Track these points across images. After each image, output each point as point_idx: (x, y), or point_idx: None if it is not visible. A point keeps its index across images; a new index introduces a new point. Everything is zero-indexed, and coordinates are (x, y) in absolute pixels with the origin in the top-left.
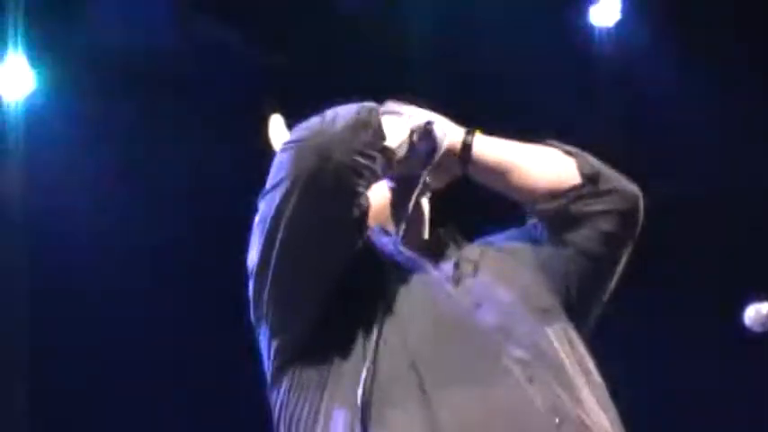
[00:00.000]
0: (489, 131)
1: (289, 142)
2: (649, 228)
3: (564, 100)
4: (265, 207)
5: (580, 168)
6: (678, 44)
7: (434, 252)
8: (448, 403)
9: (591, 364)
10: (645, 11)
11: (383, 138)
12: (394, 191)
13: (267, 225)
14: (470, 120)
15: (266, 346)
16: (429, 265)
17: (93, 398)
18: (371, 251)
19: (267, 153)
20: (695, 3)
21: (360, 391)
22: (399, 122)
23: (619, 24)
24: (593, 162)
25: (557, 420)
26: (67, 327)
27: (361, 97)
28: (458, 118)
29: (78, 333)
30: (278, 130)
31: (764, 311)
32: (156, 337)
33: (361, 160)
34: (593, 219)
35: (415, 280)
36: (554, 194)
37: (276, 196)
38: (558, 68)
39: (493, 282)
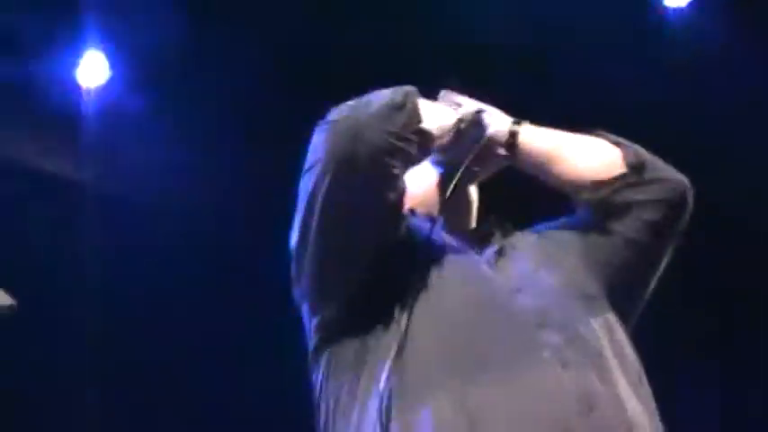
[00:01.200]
0: (553, 115)
1: (324, 123)
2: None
3: (634, 81)
4: (302, 188)
5: (625, 158)
6: (753, 28)
7: (479, 240)
8: (478, 390)
9: (631, 352)
10: None
11: (419, 120)
12: (441, 177)
13: (303, 208)
14: (536, 103)
15: (307, 324)
16: (470, 252)
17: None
18: (411, 236)
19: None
20: None
21: (384, 378)
22: (446, 110)
23: (692, 4)
24: (640, 152)
25: (588, 407)
26: (139, 320)
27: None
28: (524, 104)
29: (150, 324)
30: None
31: None
32: (225, 327)
33: (396, 142)
34: (638, 208)
35: (454, 266)
36: (598, 185)
37: (311, 178)
38: (630, 49)
39: (535, 267)
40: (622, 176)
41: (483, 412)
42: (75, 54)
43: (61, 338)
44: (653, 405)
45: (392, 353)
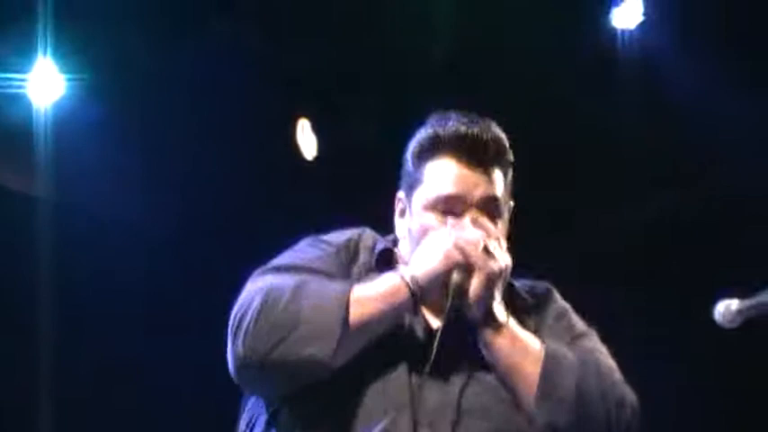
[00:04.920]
0: (510, 132)
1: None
2: None
3: (587, 101)
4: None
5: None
6: (702, 45)
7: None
8: None
9: None
10: (667, 12)
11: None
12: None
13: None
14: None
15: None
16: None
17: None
18: None
19: (291, 156)
20: (718, 3)
21: None
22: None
23: (641, 26)
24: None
25: None
26: (93, 323)
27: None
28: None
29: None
30: (305, 135)
31: (734, 308)
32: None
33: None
34: None
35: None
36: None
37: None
38: (581, 70)
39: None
40: None
41: None
42: (28, 67)
43: (18, 350)
44: None
45: None
